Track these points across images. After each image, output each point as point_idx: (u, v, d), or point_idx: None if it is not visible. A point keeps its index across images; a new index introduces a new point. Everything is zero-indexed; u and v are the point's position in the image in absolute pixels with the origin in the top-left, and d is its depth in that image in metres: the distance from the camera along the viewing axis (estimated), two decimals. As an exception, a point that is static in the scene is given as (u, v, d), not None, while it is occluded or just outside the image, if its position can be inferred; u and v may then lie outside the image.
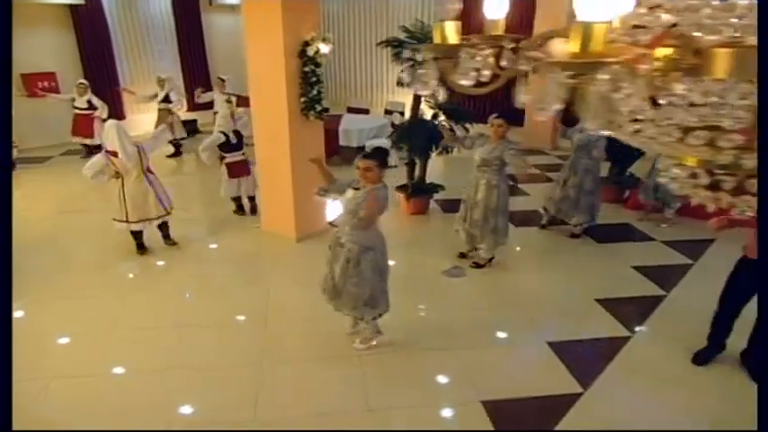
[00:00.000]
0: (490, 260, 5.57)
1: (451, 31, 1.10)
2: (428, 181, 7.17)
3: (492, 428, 3.35)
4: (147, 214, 5.55)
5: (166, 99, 9.79)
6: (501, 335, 4.42)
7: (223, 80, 9.82)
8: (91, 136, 9.73)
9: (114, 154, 5.22)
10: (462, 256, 5.72)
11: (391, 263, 4.10)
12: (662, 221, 6.67)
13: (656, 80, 0.87)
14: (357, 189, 3.70)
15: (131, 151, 5.25)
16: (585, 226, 6.27)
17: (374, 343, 4.16)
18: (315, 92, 5.42)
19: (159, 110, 9.90)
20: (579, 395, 3.65)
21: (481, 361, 4.05)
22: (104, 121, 8.42)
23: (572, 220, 6.24)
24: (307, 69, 5.32)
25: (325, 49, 5.26)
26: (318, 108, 5.50)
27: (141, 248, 5.78)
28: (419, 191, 6.97)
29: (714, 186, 0.95)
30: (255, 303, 4.84)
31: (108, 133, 5.26)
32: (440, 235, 6.50)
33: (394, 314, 4.15)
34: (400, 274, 5.27)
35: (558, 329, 4.44)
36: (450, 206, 7.45)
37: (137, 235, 5.70)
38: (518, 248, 6.10)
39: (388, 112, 11.20)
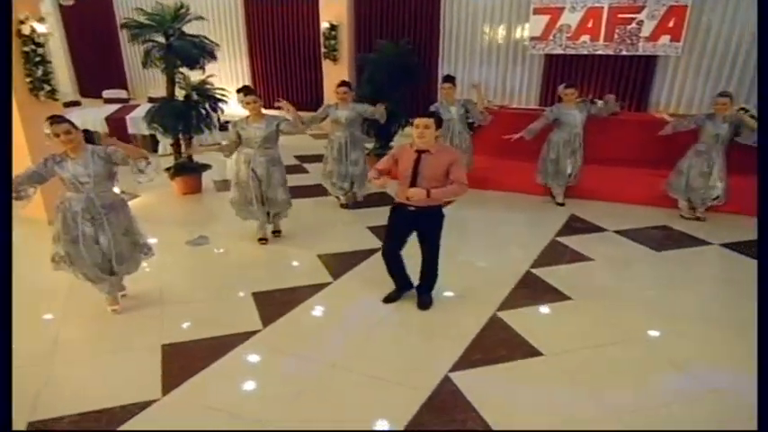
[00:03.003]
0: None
1: None
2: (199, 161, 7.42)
3: (161, 369, 3.69)
4: None
5: None
6: (213, 291, 4.82)
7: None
8: None
9: None
10: (263, 240, 5.84)
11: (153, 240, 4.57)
12: None
13: None
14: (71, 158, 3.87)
15: None
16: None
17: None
18: (40, 72, 5.43)
19: None
20: (257, 331, 4.11)
21: (185, 313, 4.41)
22: None
23: (361, 189, 6.89)
24: (27, 49, 5.32)
25: (41, 28, 5.30)
26: (47, 88, 5.52)
27: None
28: (185, 170, 7.17)
29: None
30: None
31: None
32: (206, 210, 6.84)
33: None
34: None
35: (269, 282, 4.89)
36: (226, 186, 7.76)
37: None
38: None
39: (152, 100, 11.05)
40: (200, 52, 6.48)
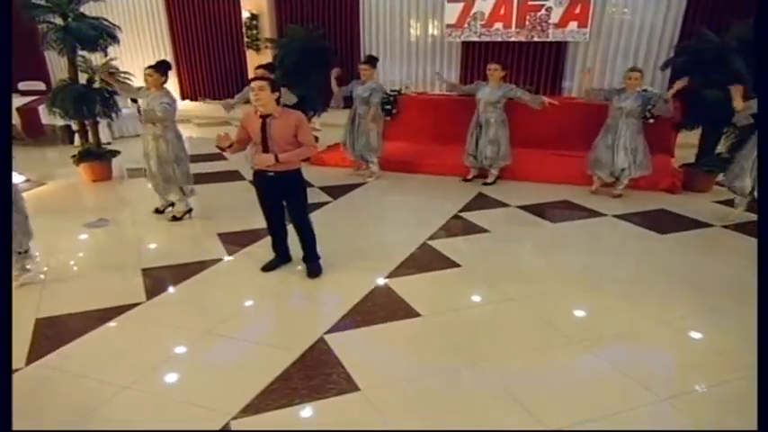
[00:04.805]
0: (188, 212, 5.89)
1: None
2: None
3: (30, 341, 3.64)
4: None
5: None
6: (102, 268, 4.78)
7: None
8: None
9: None
10: (158, 211, 5.93)
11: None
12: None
13: None
14: None
15: None
16: None
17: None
18: None
19: None
20: (140, 303, 4.11)
21: (68, 289, 4.36)
22: None
23: None
24: None
25: None
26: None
27: None
28: (91, 156, 7.04)
29: None
30: None
31: None
32: (116, 196, 6.74)
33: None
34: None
35: (162, 259, 4.88)
36: (140, 172, 7.66)
37: None
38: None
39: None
40: (99, 34, 6.36)
